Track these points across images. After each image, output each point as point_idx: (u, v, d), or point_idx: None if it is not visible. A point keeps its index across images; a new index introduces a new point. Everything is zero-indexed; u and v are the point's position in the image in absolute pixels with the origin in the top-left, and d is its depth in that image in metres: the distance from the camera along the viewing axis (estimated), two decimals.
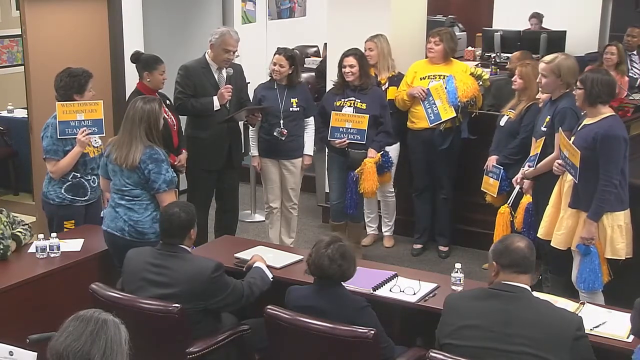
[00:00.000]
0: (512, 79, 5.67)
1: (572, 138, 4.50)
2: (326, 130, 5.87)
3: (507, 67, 7.20)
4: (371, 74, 6.05)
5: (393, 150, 6.18)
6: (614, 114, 4.52)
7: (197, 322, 3.73)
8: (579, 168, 4.36)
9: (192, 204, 4.06)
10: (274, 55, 5.84)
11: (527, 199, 5.14)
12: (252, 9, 9.05)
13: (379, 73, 6.23)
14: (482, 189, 5.73)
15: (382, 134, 5.87)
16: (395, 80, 6.20)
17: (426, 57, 6.22)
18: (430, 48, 6.08)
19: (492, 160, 5.64)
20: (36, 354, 2.76)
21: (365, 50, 6.15)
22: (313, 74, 9.23)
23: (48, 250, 4.38)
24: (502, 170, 5.53)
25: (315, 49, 10.87)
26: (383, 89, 6.17)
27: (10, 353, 2.75)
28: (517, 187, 5.17)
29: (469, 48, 9.99)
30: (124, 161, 4.31)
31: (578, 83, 4.50)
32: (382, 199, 6.52)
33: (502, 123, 5.67)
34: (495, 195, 5.61)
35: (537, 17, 9.78)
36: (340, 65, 5.84)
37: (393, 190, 6.48)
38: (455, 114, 5.96)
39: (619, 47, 7.61)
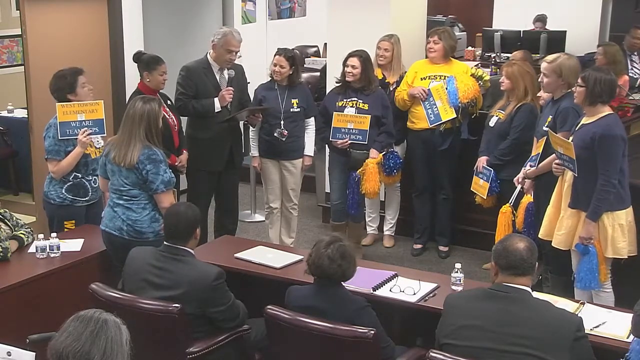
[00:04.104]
0: (500, 80, 5.68)
1: (570, 138, 4.49)
2: (328, 130, 5.87)
3: None
4: (377, 76, 6.04)
5: (399, 150, 6.19)
6: (612, 112, 4.51)
7: (195, 327, 3.72)
8: (578, 160, 4.35)
9: (194, 205, 4.05)
10: (274, 55, 5.84)
11: (527, 198, 5.14)
12: (252, 9, 9.05)
13: (390, 74, 6.21)
14: (471, 189, 5.74)
15: (383, 135, 5.87)
16: (401, 80, 6.20)
17: (426, 57, 6.21)
18: (430, 48, 6.07)
19: (482, 161, 5.65)
20: (35, 354, 2.76)
21: (379, 50, 6.15)
22: (313, 74, 9.23)
23: (48, 250, 4.37)
24: (492, 172, 5.54)
25: (315, 49, 10.87)
26: (391, 89, 6.16)
27: (9, 353, 2.74)
28: (519, 187, 5.18)
29: (469, 48, 9.98)
30: (122, 160, 4.31)
31: (580, 80, 4.45)
32: (391, 193, 6.51)
33: (491, 124, 5.67)
34: (485, 197, 5.62)
35: (541, 20, 9.78)
36: (344, 64, 5.84)
37: (398, 186, 6.49)
38: (455, 115, 5.95)
39: (607, 50, 7.50)
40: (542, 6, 9.89)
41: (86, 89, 4.99)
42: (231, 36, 5.63)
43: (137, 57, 5.48)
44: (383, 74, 6.20)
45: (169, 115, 5.36)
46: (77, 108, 4.89)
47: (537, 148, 5.03)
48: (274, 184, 6.02)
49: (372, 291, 3.93)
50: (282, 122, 5.80)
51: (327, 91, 6.34)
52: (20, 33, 6.54)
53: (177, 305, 3.58)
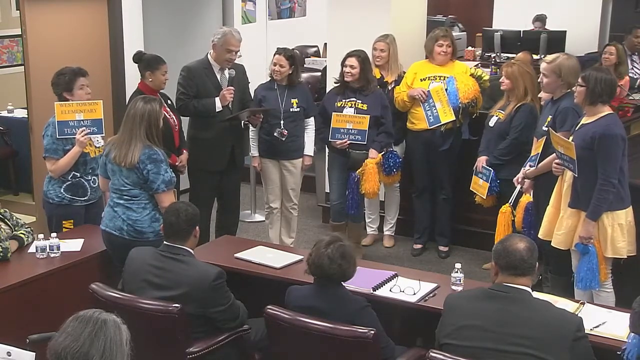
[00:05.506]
0: (500, 80, 5.68)
1: (570, 138, 4.50)
2: (327, 130, 5.87)
3: None
4: (375, 75, 6.03)
5: (398, 150, 6.19)
6: (611, 112, 4.52)
7: (195, 327, 3.72)
8: (577, 160, 4.35)
9: (195, 205, 4.05)
10: (274, 55, 5.84)
11: (526, 198, 5.14)
12: (252, 9, 9.06)
13: (388, 74, 6.20)
14: (471, 189, 5.75)
15: (382, 135, 5.87)
16: (401, 79, 6.19)
17: (426, 58, 6.20)
18: (444, 51, 6.01)
19: (481, 160, 5.66)
20: (34, 354, 2.76)
21: (375, 51, 6.14)
22: (313, 74, 9.23)
23: (48, 250, 4.37)
24: (492, 172, 5.54)
25: (315, 49, 10.88)
26: (389, 88, 6.16)
27: (9, 354, 2.74)
28: (518, 187, 5.18)
29: (469, 48, 10.00)
30: (123, 160, 4.31)
31: (580, 80, 4.46)
32: (390, 193, 6.51)
33: (491, 124, 5.67)
34: (485, 197, 5.63)
35: (540, 20, 9.79)
36: (343, 64, 5.84)
37: (398, 186, 6.49)
38: (454, 117, 5.94)
39: (618, 48, 7.61)
40: (542, 6, 9.90)
41: (84, 92, 4.96)
42: (231, 36, 5.63)
43: (138, 57, 5.47)
44: (381, 74, 6.20)
45: (169, 115, 5.36)
46: (76, 107, 4.88)
47: (537, 148, 5.03)
48: (274, 184, 6.02)
49: (372, 291, 3.93)
50: (282, 122, 5.80)
51: (327, 91, 6.35)
52: (20, 33, 6.54)
53: (177, 305, 3.58)
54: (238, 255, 4.43)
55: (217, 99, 5.64)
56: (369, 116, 5.75)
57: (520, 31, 9.51)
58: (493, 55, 9.47)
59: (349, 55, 5.83)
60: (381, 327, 3.47)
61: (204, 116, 5.68)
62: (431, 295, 3.93)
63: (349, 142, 5.79)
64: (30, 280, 4.16)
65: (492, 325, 3.09)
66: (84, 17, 6.77)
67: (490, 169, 5.57)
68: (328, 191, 6.44)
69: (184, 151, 5.58)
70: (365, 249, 6.46)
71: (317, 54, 10.76)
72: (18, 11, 6.82)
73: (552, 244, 4.64)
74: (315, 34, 10.48)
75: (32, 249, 4.45)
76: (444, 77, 6.02)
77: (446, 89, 5.94)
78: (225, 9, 8.24)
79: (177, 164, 5.40)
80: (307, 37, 10.72)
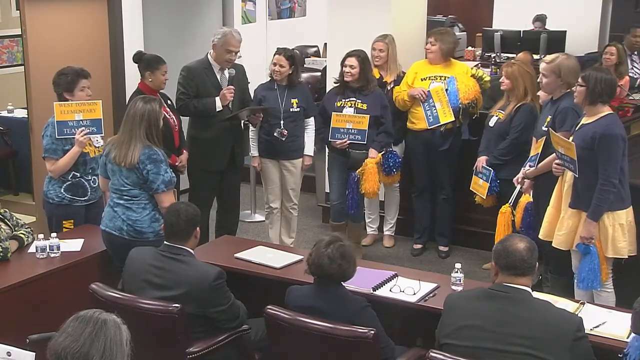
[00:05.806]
0: (500, 80, 5.68)
1: (570, 138, 4.50)
2: (327, 130, 5.87)
3: None
4: (375, 75, 6.04)
5: (398, 150, 6.19)
6: (611, 112, 4.52)
7: (195, 327, 3.72)
8: (578, 160, 4.35)
9: (195, 204, 4.05)
10: (274, 55, 5.84)
11: (526, 198, 5.14)
12: (252, 9, 9.05)
13: (387, 74, 6.21)
14: (471, 189, 5.75)
15: (382, 134, 5.87)
16: (400, 79, 6.20)
17: (426, 58, 6.21)
18: (427, 49, 6.08)
19: (481, 160, 5.66)
20: (34, 354, 2.76)
21: (374, 51, 6.14)
22: (313, 74, 9.23)
23: (48, 250, 4.37)
24: (492, 172, 5.54)
25: (315, 49, 10.88)
26: (389, 88, 6.16)
27: (8, 354, 2.74)
28: (518, 187, 5.18)
29: (469, 48, 10.00)
30: (123, 160, 4.31)
31: (580, 80, 4.46)
32: (390, 193, 6.51)
33: (491, 124, 5.67)
34: (485, 197, 5.63)
35: (540, 19, 9.79)
36: (343, 64, 5.84)
37: (397, 186, 6.49)
38: (454, 118, 5.94)
39: (618, 48, 7.62)
40: (542, 6, 9.91)
41: (85, 94, 4.95)
42: (231, 36, 5.63)
43: (139, 57, 5.47)
44: (380, 74, 6.20)
45: (169, 115, 5.36)
46: (75, 107, 4.88)
47: (536, 148, 5.03)
48: (273, 184, 6.02)
49: (372, 291, 3.93)
50: (282, 122, 5.80)
51: (327, 91, 6.35)
52: (20, 33, 6.54)
53: (177, 305, 3.58)
54: (238, 255, 4.43)
55: (217, 99, 5.64)
56: (368, 116, 5.75)
57: (520, 31, 9.52)
58: (493, 55, 9.47)
59: (348, 55, 5.84)
60: (381, 327, 3.47)
61: (204, 116, 5.68)
62: (431, 295, 3.93)
63: (348, 141, 5.79)
64: (30, 280, 4.16)
65: (492, 325, 3.09)
66: (84, 17, 6.77)
67: (490, 169, 5.58)
68: (328, 191, 6.44)
69: (184, 151, 5.58)
70: (365, 249, 6.46)
71: (317, 54, 10.76)
72: (18, 11, 6.82)
73: (552, 244, 4.64)
74: (315, 34, 10.48)
75: (32, 249, 4.45)
76: (445, 77, 6.02)
77: (446, 89, 5.95)
78: (225, 9, 8.24)
79: (177, 164, 5.40)
80: (307, 37, 10.71)
